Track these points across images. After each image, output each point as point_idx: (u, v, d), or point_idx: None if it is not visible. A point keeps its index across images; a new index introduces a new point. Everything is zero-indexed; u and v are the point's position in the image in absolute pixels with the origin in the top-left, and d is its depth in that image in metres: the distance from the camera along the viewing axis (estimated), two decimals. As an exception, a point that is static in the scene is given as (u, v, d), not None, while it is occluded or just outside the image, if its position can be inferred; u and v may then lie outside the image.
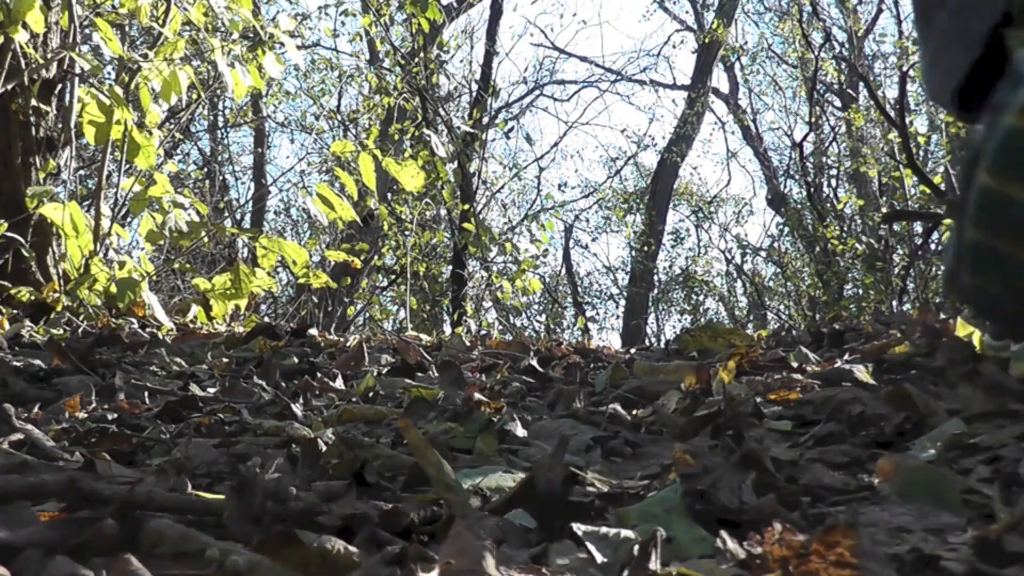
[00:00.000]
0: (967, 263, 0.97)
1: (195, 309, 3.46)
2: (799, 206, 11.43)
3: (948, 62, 1.24)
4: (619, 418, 1.36)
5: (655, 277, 14.96)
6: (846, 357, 1.77)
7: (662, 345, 2.97)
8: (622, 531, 0.74)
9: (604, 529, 0.74)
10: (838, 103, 12.46)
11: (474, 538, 0.64)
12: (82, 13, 3.31)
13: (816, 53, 10.04)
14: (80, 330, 2.69)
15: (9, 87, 3.04)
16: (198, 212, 3.55)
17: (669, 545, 0.72)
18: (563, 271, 15.75)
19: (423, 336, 3.35)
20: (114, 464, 1.04)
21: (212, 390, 1.82)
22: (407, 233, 8.43)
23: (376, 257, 9.54)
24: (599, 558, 0.70)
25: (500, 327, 10.19)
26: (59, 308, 2.95)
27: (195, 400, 1.62)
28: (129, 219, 4.60)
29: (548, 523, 0.80)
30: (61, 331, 2.63)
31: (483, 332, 7.32)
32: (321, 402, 1.74)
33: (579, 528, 0.74)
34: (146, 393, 1.75)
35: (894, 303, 9.04)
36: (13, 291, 2.90)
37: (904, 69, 7.75)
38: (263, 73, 3.62)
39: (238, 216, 11.66)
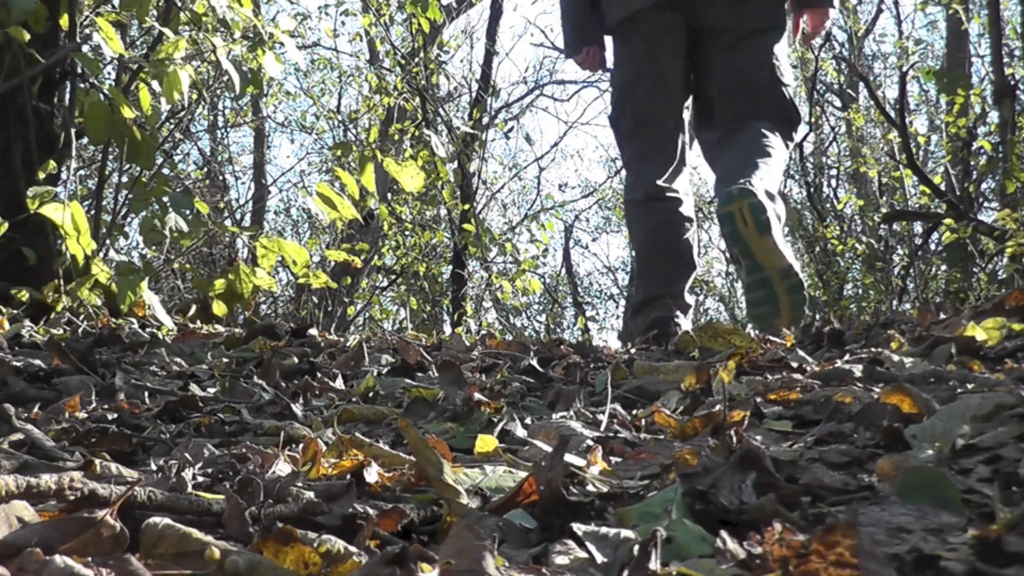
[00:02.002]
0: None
1: (195, 309, 3.46)
2: (799, 206, 11.43)
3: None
4: (619, 418, 1.36)
5: (655, 277, 14.91)
6: (846, 357, 1.77)
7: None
8: (622, 531, 0.74)
9: (604, 529, 0.74)
10: (838, 103, 12.46)
11: (474, 538, 0.64)
12: (82, 13, 3.31)
13: (816, 53, 10.04)
14: (80, 330, 2.69)
15: (9, 87, 3.04)
16: (198, 212, 3.55)
17: (669, 545, 0.72)
18: (563, 271, 15.74)
19: (423, 336, 3.35)
20: (114, 464, 1.04)
21: (212, 390, 1.82)
22: (407, 233, 8.42)
23: (376, 257, 9.54)
24: (599, 558, 0.70)
25: (500, 327, 10.19)
26: (59, 308, 2.95)
27: (195, 400, 1.62)
28: (129, 219, 4.60)
29: (548, 523, 0.80)
30: (61, 331, 2.63)
31: (483, 332, 7.32)
32: (321, 402, 1.74)
33: (579, 528, 0.74)
34: (146, 393, 1.76)
35: (894, 303, 9.04)
36: (13, 291, 2.90)
37: (904, 69, 7.75)
38: (262, 74, 3.62)
39: (238, 216, 11.67)
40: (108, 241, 3.32)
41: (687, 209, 2.91)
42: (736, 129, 2.72)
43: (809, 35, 2.87)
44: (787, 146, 2.75)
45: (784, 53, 2.79)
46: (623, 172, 3.17)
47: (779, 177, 2.64)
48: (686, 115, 2.97)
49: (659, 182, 2.83)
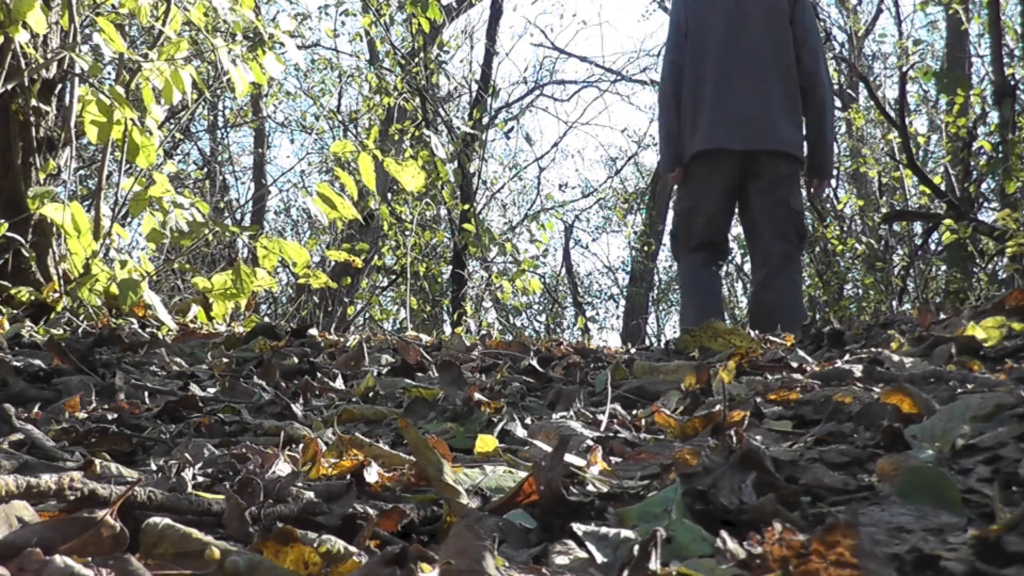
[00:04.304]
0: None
1: (195, 309, 3.46)
2: (799, 206, 11.41)
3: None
4: (619, 418, 1.36)
5: (655, 277, 14.96)
6: (846, 357, 1.77)
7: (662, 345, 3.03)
8: (622, 531, 0.74)
9: (604, 529, 0.74)
10: (838, 103, 12.46)
11: (474, 538, 0.64)
12: (82, 13, 3.31)
13: (816, 53, 10.00)
14: (80, 330, 2.69)
15: (9, 87, 3.04)
16: (199, 212, 3.55)
17: (669, 545, 0.72)
18: (563, 271, 15.75)
19: (423, 336, 3.35)
20: (114, 464, 1.04)
21: (212, 390, 1.82)
22: (407, 233, 8.42)
23: (376, 257, 9.54)
24: (599, 558, 0.70)
25: (500, 327, 10.19)
26: (59, 308, 2.95)
27: (195, 400, 1.62)
28: (129, 219, 4.61)
29: (548, 523, 0.80)
30: (61, 331, 2.63)
31: (483, 332, 7.32)
32: (321, 402, 1.74)
33: (579, 528, 0.74)
34: (146, 393, 1.75)
35: (894, 303, 9.04)
36: (13, 291, 2.90)
37: (904, 69, 7.75)
38: (264, 71, 3.62)
39: (238, 216, 11.67)
40: (108, 241, 3.31)
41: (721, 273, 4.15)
42: (772, 270, 3.89)
43: (814, 194, 4.23)
44: (800, 249, 4.06)
45: (799, 189, 3.98)
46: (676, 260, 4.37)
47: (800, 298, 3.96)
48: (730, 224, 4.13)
49: (713, 275, 4.03)
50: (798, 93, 3.88)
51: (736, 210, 4.12)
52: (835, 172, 12.46)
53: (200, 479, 1.00)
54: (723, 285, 4.14)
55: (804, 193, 4.10)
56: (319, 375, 2.00)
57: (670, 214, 14.42)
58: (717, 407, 1.23)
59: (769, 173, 3.86)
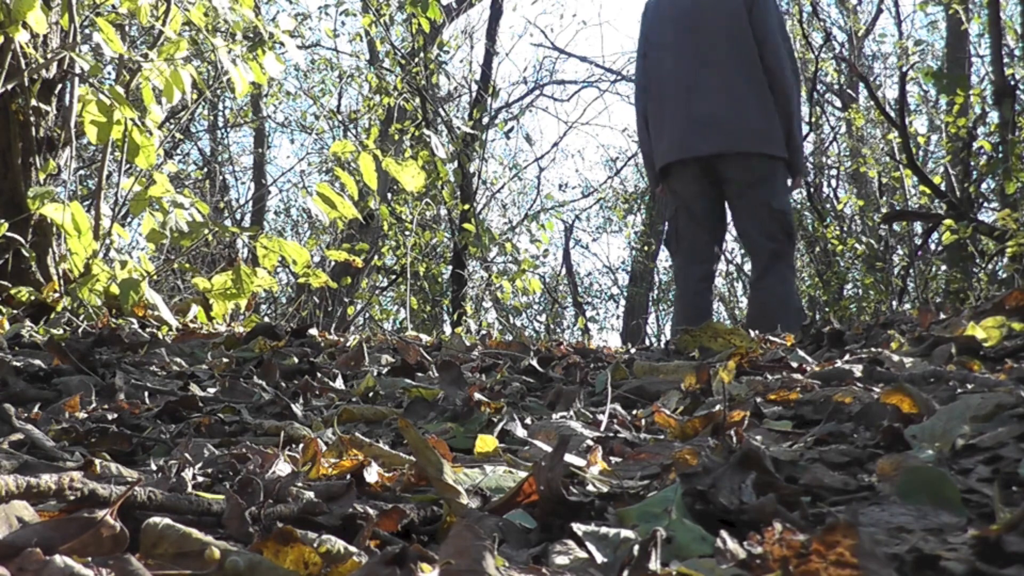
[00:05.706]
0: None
1: (195, 309, 3.46)
2: (799, 206, 11.43)
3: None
4: (619, 418, 1.36)
5: (655, 277, 14.96)
6: (846, 357, 1.77)
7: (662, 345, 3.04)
8: (622, 531, 0.74)
9: (604, 529, 0.74)
10: (838, 103, 12.45)
11: (474, 538, 0.64)
12: (82, 13, 3.31)
13: (816, 53, 10.04)
14: (80, 330, 2.69)
15: (9, 87, 3.04)
16: (199, 212, 3.55)
17: (669, 545, 0.72)
18: (563, 271, 15.74)
19: (423, 336, 3.35)
20: (114, 464, 1.04)
21: (212, 390, 1.82)
22: (407, 233, 8.42)
23: (376, 257, 9.54)
24: (599, 558, 0.70)
25: (500, 327, 10.19)
26: (59, 308, 2.95)
27: (195, 400, 1.62)
28: (129, 219, 4.60)
29: (548, 523, 0.80)
30: (61, 331, 2.62)
31: (483, 332, 7.32)
32: (321, 402, 1.74)
33: (579, 528, 0.74)
34: (146, 393, 1.75)
35: (894, 303, 9.04)
36: (13, 291, 2.90)
37: (904, 69, 7.75)
38: (264, 71, 3.62)
39: (238, 216, 11.67)
40: (108, 241, 3.31)
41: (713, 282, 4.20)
42: (763, 269, 3.91)
43: (790, 190, 4.12)
44: (790, 246, 3.96)
45: (781, 187, 3.94)
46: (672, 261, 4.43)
47: (792, 290, 3.94)
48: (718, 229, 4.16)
49: (698, 280, 4.06)
50: (768, 91, 3.86)
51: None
52: (836, 172, 12.49)
53: (200, 479, 1.00)
54: (713, 300, 4.13)
55: (788, 189, 4.06)
56: (319, 375, 2.00)
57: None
58: (717, 407, 1.23)
59: (744, 176, 3.86)
